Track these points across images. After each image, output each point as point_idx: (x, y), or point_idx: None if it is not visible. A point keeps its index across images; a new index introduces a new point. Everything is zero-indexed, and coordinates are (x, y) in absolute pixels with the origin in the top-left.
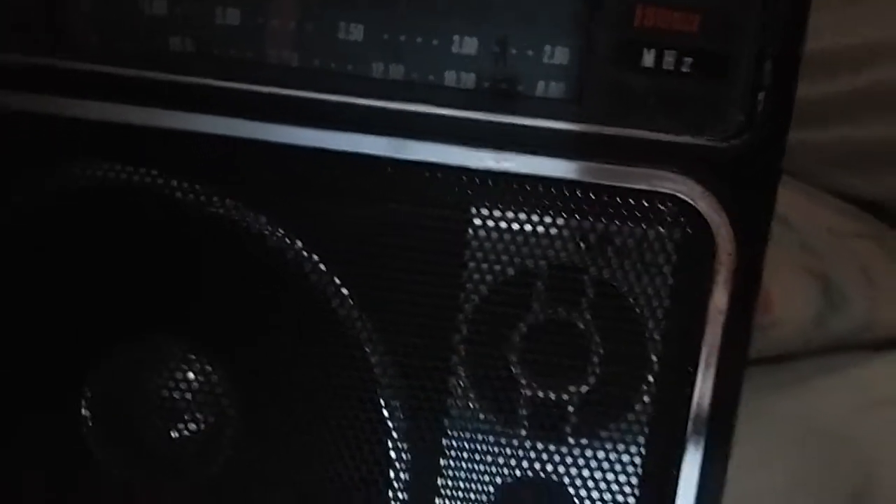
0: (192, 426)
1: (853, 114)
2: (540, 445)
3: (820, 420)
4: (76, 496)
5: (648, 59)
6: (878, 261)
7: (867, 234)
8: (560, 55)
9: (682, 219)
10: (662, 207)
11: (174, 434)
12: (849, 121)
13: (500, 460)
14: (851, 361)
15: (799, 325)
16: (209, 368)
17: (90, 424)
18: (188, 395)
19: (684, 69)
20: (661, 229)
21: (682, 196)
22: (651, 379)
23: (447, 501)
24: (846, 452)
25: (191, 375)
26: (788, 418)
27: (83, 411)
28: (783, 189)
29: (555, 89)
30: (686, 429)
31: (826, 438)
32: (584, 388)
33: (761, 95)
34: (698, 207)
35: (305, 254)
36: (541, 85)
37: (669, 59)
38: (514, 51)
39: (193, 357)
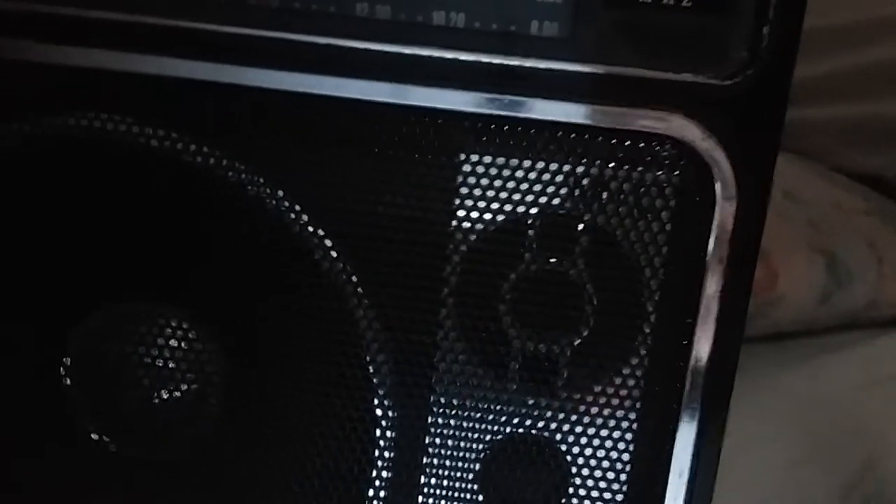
0: (175, 388)
1: (861, 90)
2: (531, 401)
3: (826, 397)
4: (56, 462)
5: None
6: (884, 237)
7: (874, 211)
8: None
9: (682, 162)
10: (660, 150)
11: (157, 398)
12: (856, 97)
13: (490, 417)
14: (857, 338)
15: (804, 301)
16: (189, 327)
17: (70, 388)
18: (169, 357)
19: (684, 3)
20: (659, 173)
21: (681, 138)
22: (647, 331)
23: (434, 460)
24: (852, 429)
25: (171, 336)
26: (794, 395)
27: (63, 375)
28: (789, 165)
29: (548, 28)
30: (684, 383)
31: (832, 415)
32: (576, 341)
33: (766, 30)
34: (698, 150)
35: (286, 204)
36: (534, 24)
37: None
38: None
39: (173, 317)
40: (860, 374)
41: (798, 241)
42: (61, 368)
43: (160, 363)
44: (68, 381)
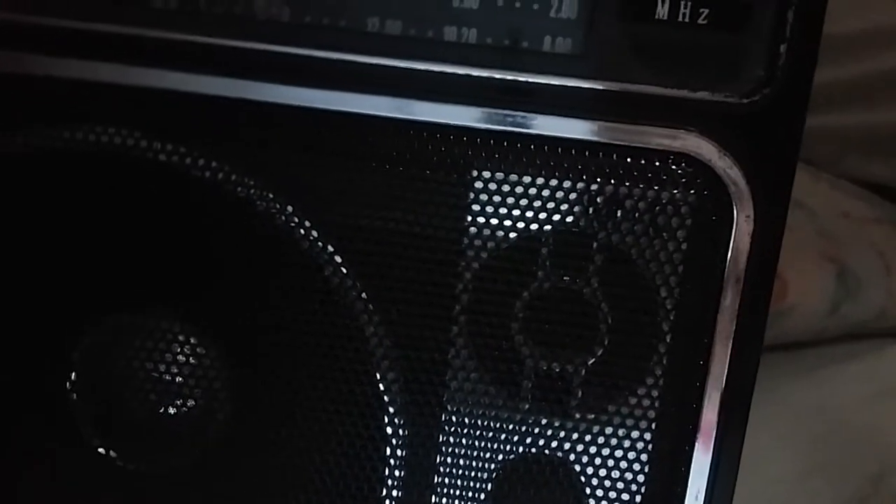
0: (181, 403)
1: (871, 98)
2: (543, 421)
3: (836, 407)
4: (61, 475)
5: (662, 10)
6: (894, 247)
7: (883, 220)
8: (567, 8)
9: (698, 180)
10: (676, 168)
11: (163, 412)
12: (867, 105)
13: (502, 436)
14: (867, 349)
15: (814, 311)
16: (197, 342)
17: (75, 400)
18: (176, 371)
19: (700, 20)
20: (675, 191)
21: (697, 156)
22: (662, 350)
23: (445, 479)
24: (862, 440)
25: (178, 350)
26: (804, 406)
27: (69, 389)
28: (799, 174)
29: (561, 44)
30: (700, 404)
31: (842, 426)
32: (590, 361)
33: (783, 48)
34: (715, 168)
35: (297, 220)
36: (547, 40)
37: (685, 10)
38: (518, 4)
39: (181, 330)
40: (870, 385)
41: (808, 251)
42: (67, 382)
43: (167, 377)
44: (74, 395)
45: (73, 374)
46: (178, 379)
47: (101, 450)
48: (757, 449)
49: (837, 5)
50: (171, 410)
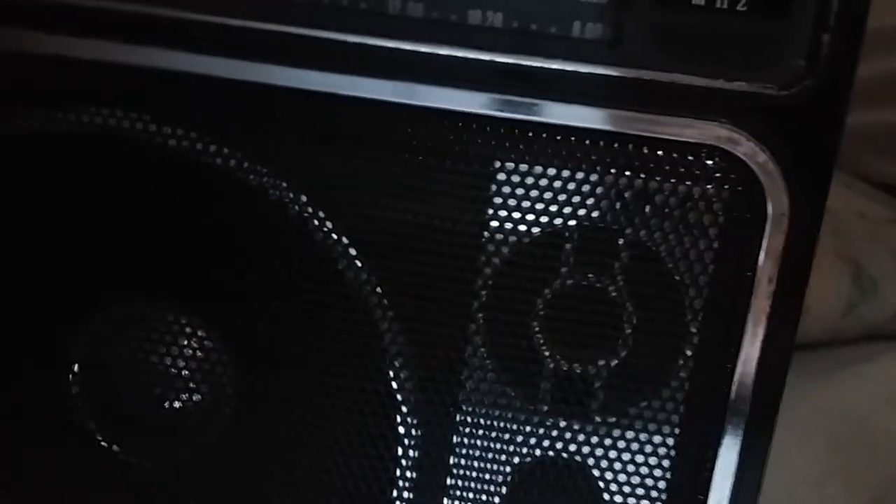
0: (187, 396)
1: (886, 98)
2: (563, 423)
3: (850, 410)
4: (63, 467)
5: None
6: None
7: None
8: None
9: (732, 175)
10: (709, 162)
11: (168, 405)
12: (882, 105)
13: (519, 438)
14: (882, 350)
15: (829, 312)
16: (204, 334)
17: (77, 393)
18: (182, 363)
19: (740, 7)
20: (708, 187)
21: (733, 150)
22: (689, 353)
23: (459, 482)
24: (879, 443)
25: (185, 342)
26: (820, 407)
27: (71, 381)
28: None
29: (592, 30)
30: (726, 410)
31: (857, 429)
32: (613, 362)
33: (826, 37)
34: (750, 163)
35: (310, 210)
36: (576, 25)
37: None
38: None
39: (188, 322)
40: (886, 387)
41: (823, 251)
42: (69, 374)
43: (173, 370)
44: (76, 388)
45: (76, 366)
46: (185, 372)
47: (103, 443)
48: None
49: None
50: (177, 404)
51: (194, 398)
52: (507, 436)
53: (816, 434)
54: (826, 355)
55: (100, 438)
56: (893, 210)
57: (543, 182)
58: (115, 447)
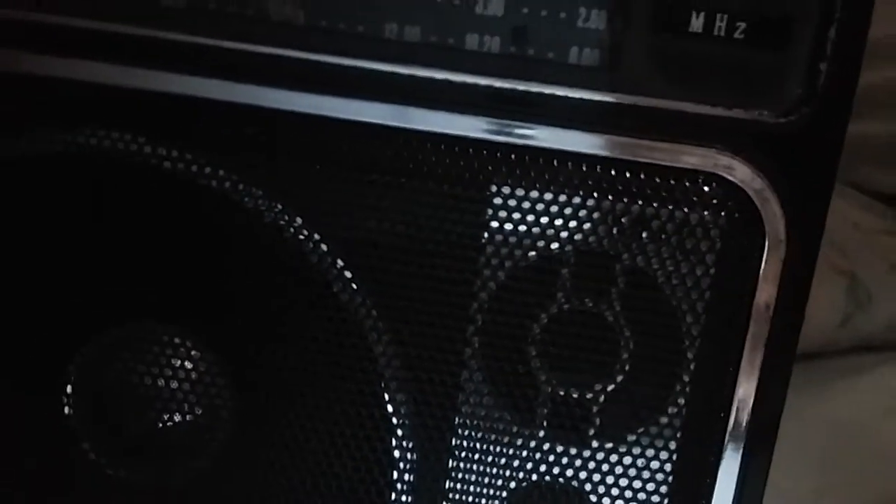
0: (181, 417)
1: (882, 107)
2: (559, 448)
3: (846, 423)
4: (59, 485)
5: (697, 23)
6: None
7: (895, 231)
8: (596, 18)
9: (729, 202)
10: (707, 189)
11: (162, 424)
12: (877, 114)
13: (515, 463)
14: (877, 361)
15: (825, 323)
16: (200, 355)
17: (73, 412)
18: (177, 384)
19: (737, 35)
20: (705, 213)
21: (730, 177)
22: (686, 379)
23: None
24: (874, 457)
25: (180, 363)
26: (815, 420)
27: (66, 399)
28: None
29: (589, 56)
30: (724, 436)
31: (853, 442)
32: (610, 387)
33: (823, 66)
34: (747, 190)
35: (305, 232)
36: (573, 51)
37: (721, 24)
38: (544, 13)
39: (183, 343)
40: (881, 400)
41: (818, 263)
42: (64, 395)
43: (168, 391)
44: (71, 407)
45: (69, 387)
46: (179, 394)
47: (98, 462)
48: None
49: None
50: (171, 424)
51: (188, 419)
52: (503, 460)
53: (811, 447)
54: (821, 367)
55: (95, 459)
56: (887, 220)
57: (540, 207)
58: (109, 468)
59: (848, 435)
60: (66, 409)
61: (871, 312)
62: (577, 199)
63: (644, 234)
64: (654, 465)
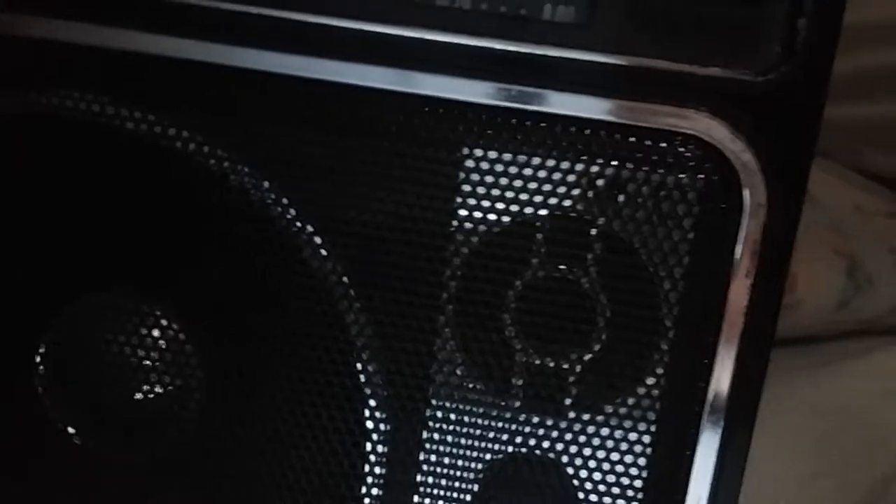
0: (154, 388)
1: (885, 89)
2: (535, 419)
3: (841, 406)
4: (28, 456)
5: None
6: None
7: None
8: None
9: (707, 164)
10: (684, 150)
11: (134, 396)
12: (880, 96)
13: (490, 434)
14: (876, 345)
15: (823, 306)
16: (171, 325)
17: (44, 384)
18: (151, 354)
19: None
20: (682, 176)
21: (707, 138)
22: (664, 347)
23: (429, 478)
24: (869, 441)
25: (150, 332)
26: (808, 403)
27: (36, 371)
28: None
29: (563, 13)
30: (703, 406)
31: (848, 426)
32: (587, 356)
33: (802, 22)
34: (725, 151)
35: (273, 196)
36: (547, 8)
37: None
38: None
39: (155, 312)
40: (879, 383)
41: (818, 244)
42: (34, 366)
43: (140, 361)
44: (41, 378)
45: (41, 361)
46: (149, 363)
47: (72, 436)
48: (760, 447)
49: None
50: (142, 396)
51: (159, 389)
52: (478, 431)
53: (807, 430)
54: (819, 350)
55: (64, 430)
56: (890, 202)
57: (513, 169)
58: (79, 439)
59: (845, 418)
60: (37, 381)
61: (871, 296)
62: (550, 162)
63: (620, 198)
64: (633, 436)
